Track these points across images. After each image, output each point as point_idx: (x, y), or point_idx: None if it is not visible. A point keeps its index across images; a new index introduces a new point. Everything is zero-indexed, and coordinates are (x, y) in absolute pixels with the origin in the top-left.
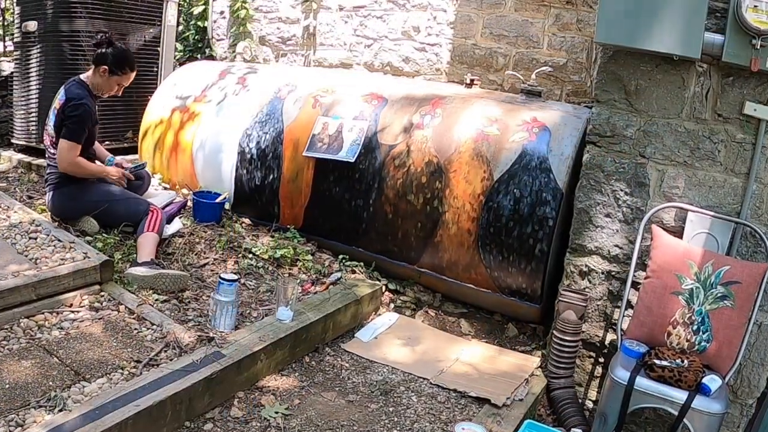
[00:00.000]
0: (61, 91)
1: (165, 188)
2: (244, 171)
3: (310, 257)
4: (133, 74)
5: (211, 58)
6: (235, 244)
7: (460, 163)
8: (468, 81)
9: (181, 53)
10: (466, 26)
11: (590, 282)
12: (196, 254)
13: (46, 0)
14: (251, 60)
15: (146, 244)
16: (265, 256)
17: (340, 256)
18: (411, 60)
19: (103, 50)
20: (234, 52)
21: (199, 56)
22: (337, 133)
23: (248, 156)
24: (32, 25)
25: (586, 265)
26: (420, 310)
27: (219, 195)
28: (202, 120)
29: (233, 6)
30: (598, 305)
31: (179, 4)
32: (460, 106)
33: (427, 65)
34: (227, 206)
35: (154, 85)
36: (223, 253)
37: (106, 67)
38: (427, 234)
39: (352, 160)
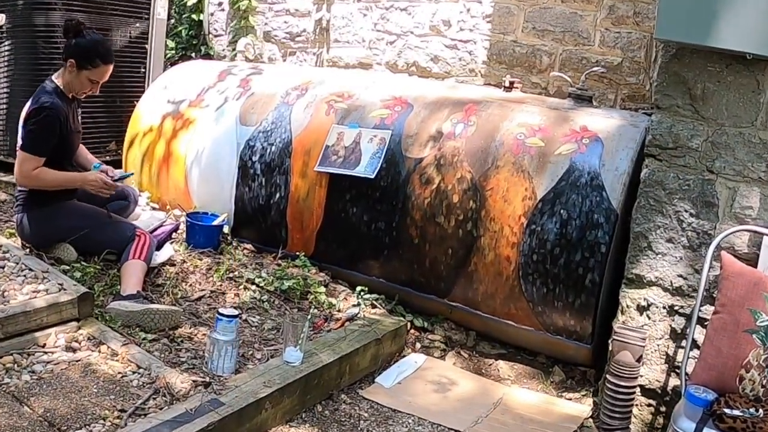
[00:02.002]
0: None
1: (153, 209)
2: (247, 188)
3: (322, 289)
4: (108, 67)
5: (208, 56)
6: (236, 273)
7: (497, 180)
8: (507, 83)
9: (173, 51)
10: (505, 20)
11: (649, 318)
12: (189, 285)
13: None
14: (254, 59)
15: (132, 273)
16: (271, 288)
17: (358, 288)
18: (440, 59)
19: (70, 40)
20: (234, 50)
21: (193, 54)
22: (355, 144)
23: (251, 171)
24: (0, 19)
25: (645, 299)
26: (451, 351)
27: (217, 216)
28: (198, 128)
29: None
30: (658, 345)
31: None
32: (497, 113)
33: (460, 65)
34: (226, 229)
35: (141, 87)
36: (221, 285)
37: (73, 60)
38: (460, 262)
39: (372, 176)
